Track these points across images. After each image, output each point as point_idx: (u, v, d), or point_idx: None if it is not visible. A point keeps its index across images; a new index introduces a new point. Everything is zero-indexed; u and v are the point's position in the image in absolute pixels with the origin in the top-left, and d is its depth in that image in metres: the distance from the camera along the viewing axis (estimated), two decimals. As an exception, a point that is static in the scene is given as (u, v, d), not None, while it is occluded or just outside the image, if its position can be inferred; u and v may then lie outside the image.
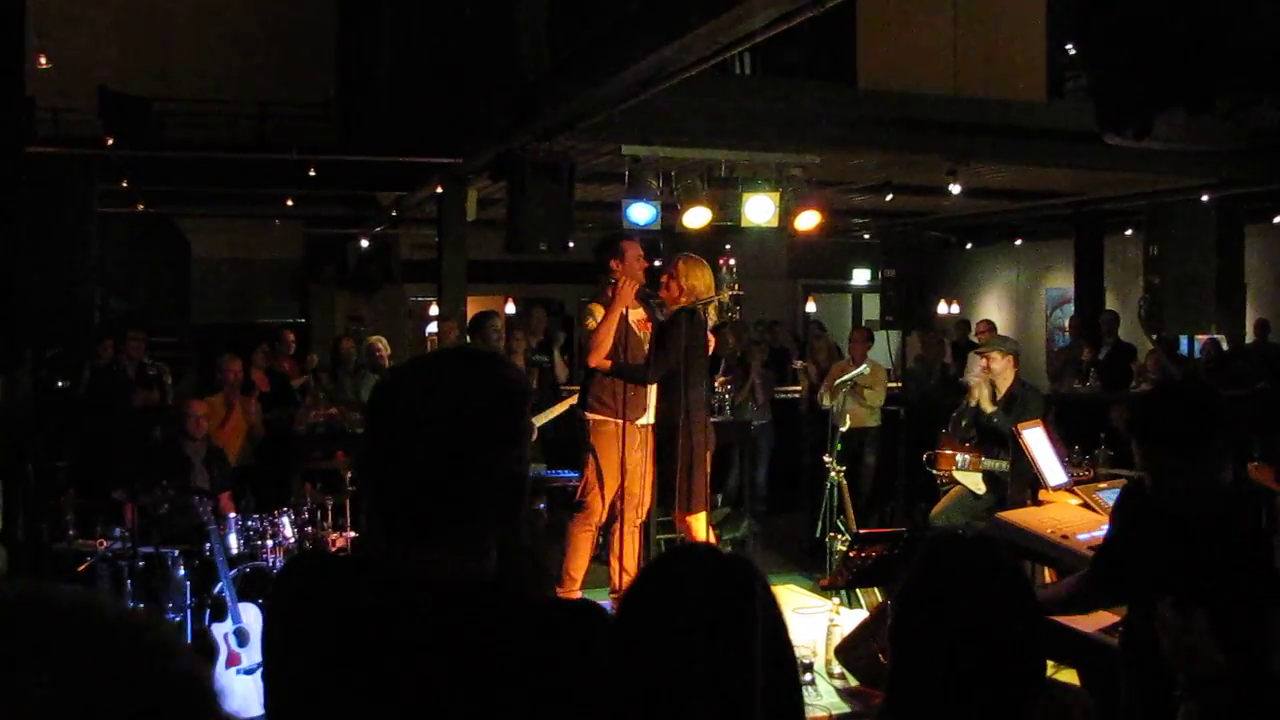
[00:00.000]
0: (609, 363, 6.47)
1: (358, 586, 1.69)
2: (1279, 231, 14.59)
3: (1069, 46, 10.32)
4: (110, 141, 12.80)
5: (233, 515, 6.72)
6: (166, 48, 18.24)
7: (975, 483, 7.19)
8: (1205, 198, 11.09)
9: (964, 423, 7.53)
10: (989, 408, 7.26)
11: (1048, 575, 5.89)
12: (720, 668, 1.64)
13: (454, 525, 1.69)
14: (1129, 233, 15.58)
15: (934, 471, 7.45)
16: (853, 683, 5.63)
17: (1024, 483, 6.06)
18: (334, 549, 7.06)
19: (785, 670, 1.75)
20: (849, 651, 5.64)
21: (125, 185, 12.51)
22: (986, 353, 7.50)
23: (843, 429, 8.17)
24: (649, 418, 6.50)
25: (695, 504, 6.55)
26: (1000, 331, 13.66)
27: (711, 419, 8.66)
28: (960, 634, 2.04)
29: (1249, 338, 13.84)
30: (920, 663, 2.09)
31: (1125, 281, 15.54)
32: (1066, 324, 15.97)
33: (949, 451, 7.29)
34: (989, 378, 7.36)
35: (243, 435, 8.81)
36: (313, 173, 12.34)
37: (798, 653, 4.96)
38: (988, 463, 7.05)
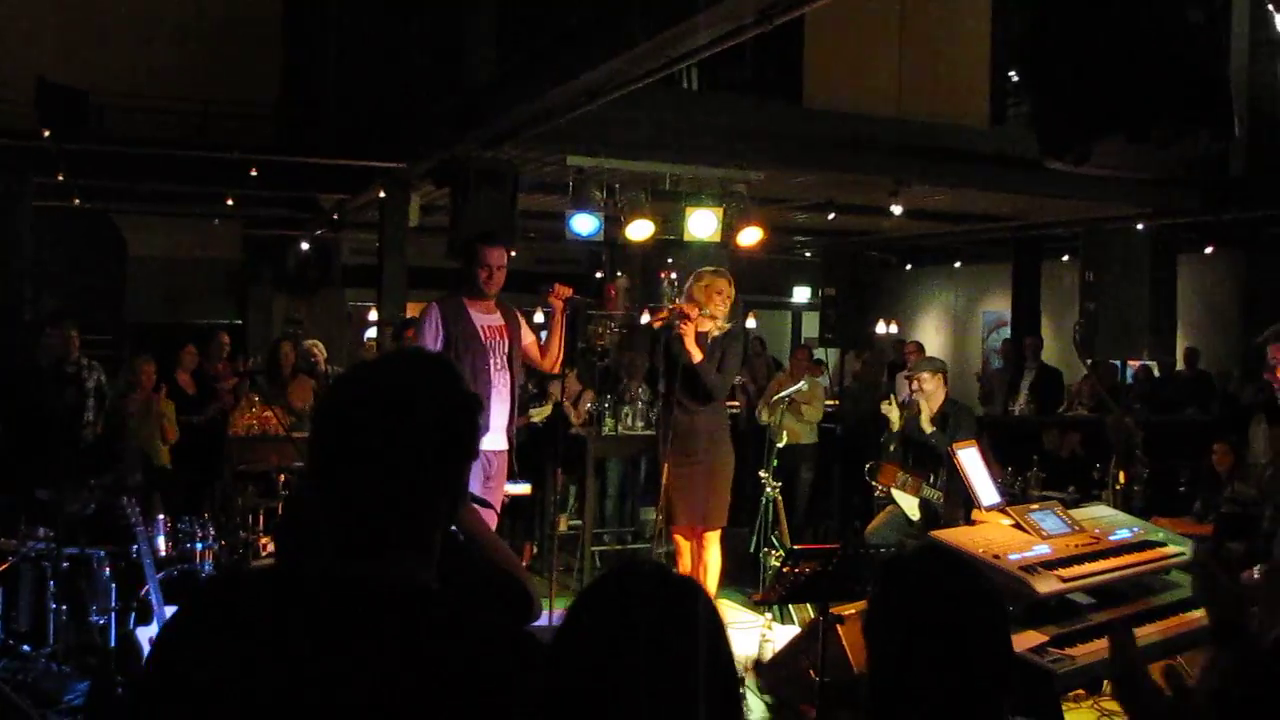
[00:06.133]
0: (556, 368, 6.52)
1: (286, 598, 1.64)
2: (1210, 262, 14.85)
3: (1011, 73, 10.48)
4: (46, 133, 12.56)
5: (161, 517, 6.61)
6: (107, 40, 17.93)
7: (911, 507, 7.24)
8: (1140, 226, 11.29)
9: (891, 447, 7.60)
10: (928, 428, 7.32)
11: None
12: (660, 686, 1.64)
13: (410, 531, 1.67)
14: (1065, 258, 15.81)
15: (874, 483, 7.49)
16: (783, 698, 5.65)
17: (957, 502, 6.11)
18: (265, 552, 6.97)
19: (725, 688, 1.75)
20: (779, 668, 5.66)
21: (61, 179, 12.28)
22: (916, 374, 7.58)
23: (779, 445, 8.19)
24: (502, 442, 6.11)
25: (711, 520, 6.62)
26: (937, 354, 13.80)
27: (645, 431, 8.72)
28: (933, 640, 2.13)
29: (1179, 365, 14.07)
30: (899, 672, 2.17)
31: (1061, 306, 15.76)
32: (1000, 346, 16.18)
33: (893, 466, 7.35)
34: (921, 399, 7.43)
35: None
36: (254, 173, 12.20)
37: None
38: (927, 490, 7.10)
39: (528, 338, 6.23)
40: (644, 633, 1.66)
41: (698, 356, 6.42)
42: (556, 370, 6.71)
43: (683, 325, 6.42)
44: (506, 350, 6.04)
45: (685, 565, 6.71)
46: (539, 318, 10.84)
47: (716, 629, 1.75)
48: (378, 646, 1.56)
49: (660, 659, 1.65)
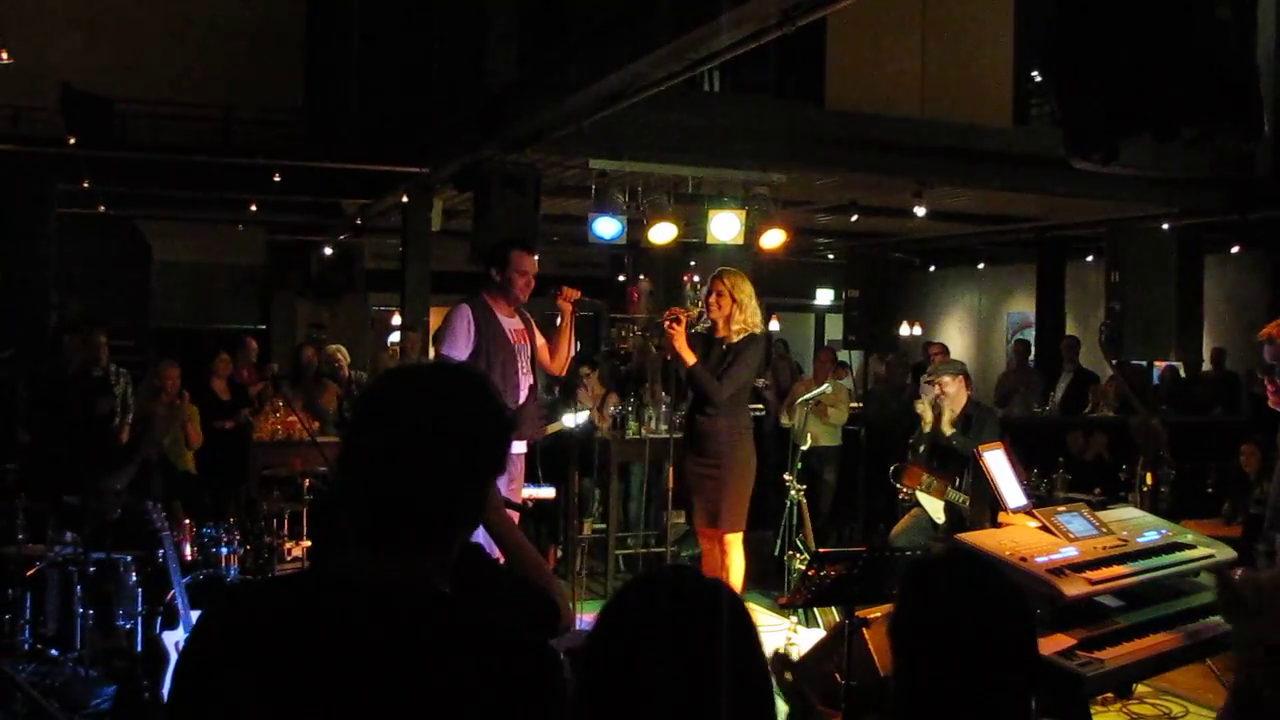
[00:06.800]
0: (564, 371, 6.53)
1: (300, 601, 1.66)
2: (1237, 261, 14.76)
3: (1035, 73, 10.43)
4: (72, 141, 12.65)
5: (186, 522, 6.65)
6: (132, 47, 18.05)
7: (936, 510, 7.19)
8: (1166, 226, 11.20)
9: (921, 448, 7.55)
10: (949, 430, 7.27)
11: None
12: (692, 687, 1.64)
13: (433, 537, 1.70)
14: (1090, 259, 15.73)
15: (898, 485, 7.44)
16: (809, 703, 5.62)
17: (983, 504, 6.07)
18: (290, 556, 6.99)
19: (757, 688, 1.75)
20: (806, 671, 5.63)
21: (86, 186, 12.38)
22: (936, 378, 7.52)
23: (803, 448, 8.16)
24: (523, 445, 6.13)
25: (726, 523, 6.52)
26: (961, 355, 13.74)
27: (669, 434, 8.69)
28: (959, 643, 2.15)
29: (1206, 366, 13.98)
30: (925, 675, 2.18)
31: (1086, 307, 15.68)
32: (1014, 346, 16.10)
33: (917, 468, 7.29)
34: (944, 402, 7.37)
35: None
36: (277, 178, 12.25)
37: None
38: (952, 493, 7.04)
39: (539, 340, 6.24)
40: (674, 635, 1.67)
41: (689, 360, 6.35)
42: (563, 373, 6.71)
43: (673, 328, 6.36)
44: (529, 354, 6.05)
45: (710, 567, 6.69)
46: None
47: (746, 630, 1.75)
48: (398, 652, 1.58)
49: (691, 660, 1.65)
